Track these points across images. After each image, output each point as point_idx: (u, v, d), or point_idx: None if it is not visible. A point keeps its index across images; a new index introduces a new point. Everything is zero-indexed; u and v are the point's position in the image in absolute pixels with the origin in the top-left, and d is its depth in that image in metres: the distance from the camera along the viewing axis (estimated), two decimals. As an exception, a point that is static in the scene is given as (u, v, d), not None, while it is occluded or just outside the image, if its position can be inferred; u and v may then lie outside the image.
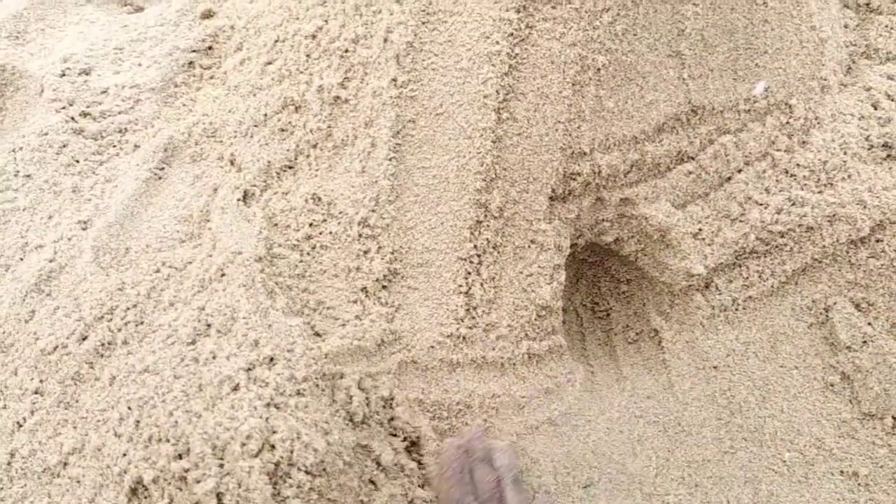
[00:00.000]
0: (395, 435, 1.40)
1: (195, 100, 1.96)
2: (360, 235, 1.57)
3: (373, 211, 1.57)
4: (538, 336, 1.57)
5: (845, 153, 1.73)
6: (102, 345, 1.42)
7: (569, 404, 1.56)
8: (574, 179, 1.56)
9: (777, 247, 1.68)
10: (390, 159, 1.57)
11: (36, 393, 1.40)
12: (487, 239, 1.55)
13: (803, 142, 1.74)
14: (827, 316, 1.66)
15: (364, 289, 1.54)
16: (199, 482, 1.14)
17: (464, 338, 1.53)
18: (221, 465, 1.16)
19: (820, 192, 1.69)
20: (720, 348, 1.65)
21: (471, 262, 1.54)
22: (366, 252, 1.56)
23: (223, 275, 1.49)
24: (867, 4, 2.02)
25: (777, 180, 1.70)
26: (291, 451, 1.17)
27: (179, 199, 1.71)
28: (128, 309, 1.47)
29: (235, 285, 1.45)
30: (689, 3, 1.53)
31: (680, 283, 1.67)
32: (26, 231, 1.70)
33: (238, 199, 1.66)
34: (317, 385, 1.32)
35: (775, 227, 1.66)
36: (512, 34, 1.48)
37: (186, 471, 1.16)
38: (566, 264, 1.64)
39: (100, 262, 1.57)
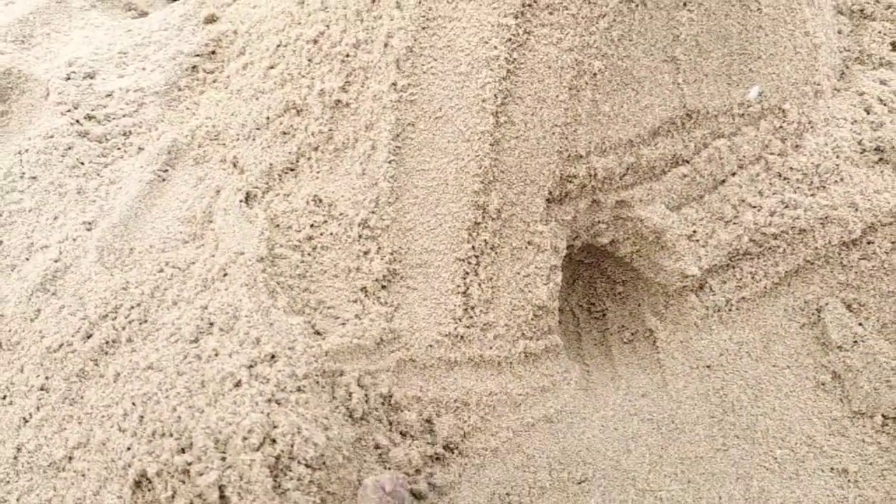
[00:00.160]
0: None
1: (198, 103, 1.99)
2: (360, 236, 1.60)
3: (373, 212, 1.60)
4: (535, 335, 1.60)
5: (838, 157, 1.76)
6: (107, 343, 1.45)
7: (564, 402, 1.59)
8: (570, 182, 1.59)
9: (770, 248, 1.71)
10: (390, 162, 1.60)
11: (42, 389, 1.43)
12: (485, 240, 1.58)
13: (796, 145, 1.77)
14: (819, 316, 1.69)
15: (364, 288, 1.57)
16: (201, 475, 1.17)
17: (462, 337, 1.56)
18: (223, 459, 1.19)
19: (812, 194, 1.72)
20: (714, 348, 1.68)
21: (469, 262, 1.57)
22: (366, 253, 1.59)
23: (226, 274, 1.52)
24: (861, 11, 2.05)
25: (770, 183, 1.73)
26: (292, 446, 1.20)
27: (183, 200, 1.74)
28: (132, 308, 1.50)
29: (238, 285, 1.48)
30: (683, 9, 1.56)
31: (674, 284, 1.69)
32: (32, 231, 1.73)
33: (240, 201, 1.69)
34: (317, 382, 1.35)
35: (768, 229, 1.69)
36: (510, 39, 1.51)
37: (189, 464, 1.19)
38: (563, 265, 1.67)
39: (104, 262, 1.61)
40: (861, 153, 1.77)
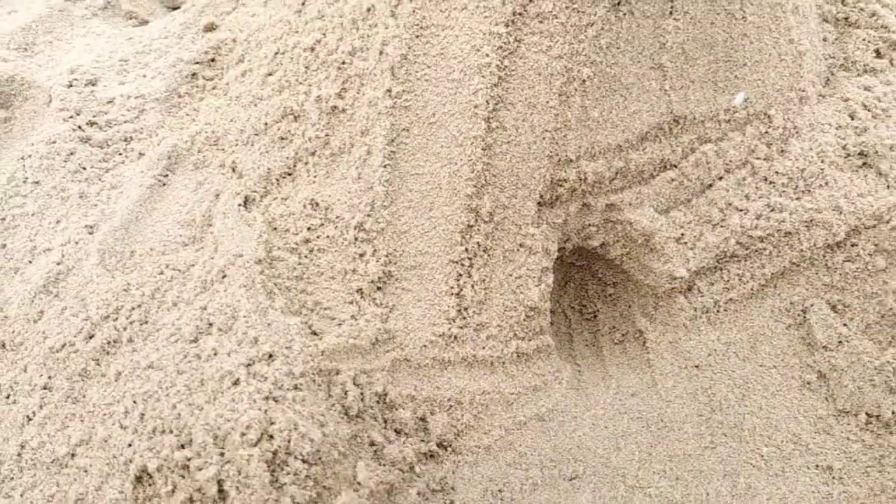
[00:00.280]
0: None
1: (198, 109, 2.03)
2: (356, 239, 1.64)
3: (368, 216, 1.64)
4: (527, 336, 1.64)
5: (822, 161, 1.80)
6: (108, 343, 1.49)
7: (556, 401, 1.62)
8: (561, 186, 1.63)
9: (757, 251, 1.74)
10: (385, 166, 1.64)
11: (45, 388, 1.47)
12: (478, 242, 1.62)
13: (782, 150, 1.81)
14: (804, 317, 1.73)
15: (360, 290, 1.61)
16: (200, 470, 1.21)
17: (455, 337, 1.59)
18: (222, 454, 1.22)
19: (798, 198, 1.76)
20: (702, 348, 1.72)
21: (462, 264, 1.61)
22: (361, 255, 1.63)
23: (224, 276, 1.56)
24: (846, 19, 2.10)
25: (756, 187, 1.77)
26: (289, 441, 1.24)
27: (182, 204, 1.78)
28: (133, 309, 1.54)
29: (236, 286, 1.52)
30: (670, 17, 1.61)
31: (663, 286, 1.73)
32: (35, 235, 1.77)
33: (239, 205, 1.72)
34: (313, 380, 1.38)
35: (755, 231, 1.73)
36: (501, 47, 1.56)
37: (189, 459, 1.22)
38: (554, 267, 1.70)
39: (106, 264, 1.64)
40: (845, 158, 1.81)
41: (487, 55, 1.57)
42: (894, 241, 1.70)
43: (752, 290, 1.75)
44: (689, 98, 1.69)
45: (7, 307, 1.64)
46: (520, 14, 1.55)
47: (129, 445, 1.29)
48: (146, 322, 1.51)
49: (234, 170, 1.84)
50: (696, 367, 1.71)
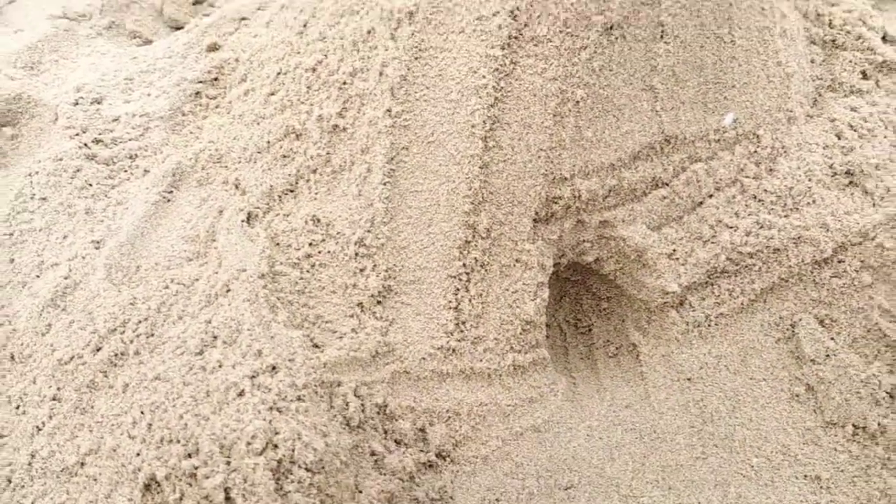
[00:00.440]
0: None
1: (202, 128, 2.08)
2: (356, 254, 1.69)
3: (368, 231, 1.69)
4: (523, 349, 1.68)
5: (810, 180, 1.85)
6: (116, 355, 1.53)
7: (551, 412, 1.66)
8: (556, 203, 1.68)
9: (746, 267, 1.79)
10: (385, 184, 1.69)
11: (53, 399, 1.50)
12: (475, 258, 1.66)
13: (770, 169, 1.86)
14: (793, 331, 1.77)
15: (360, 304, 1.65)
16: (207, 478, 1.24)
17: (453, 350, 1.64)
18: (228, 463, 1.26)
19: (786, 216, 1.81)
20: (694, 361, 1.76)
21: (460, 279, 1.66)
22: (362, 270, 1.68)
23: (228, 290, 1.60)
24: (833, 41, 2.16)
25: (746, 205, 1.82)
26: (293, 450, 1.28)
27: (187, 220, 1.82)
28: (139, 322, 1.58)
29: (240, 300, 1.56)
30: (660, 41, 1.66)
31: (656, 301, 1.78)
32: (42, 250, 1.81)
33: (242, 221, 1.77)
34: (316, 392, 1.42)
35: (744, 248, 1.77)
36: (497, 69, 1.61)
37: (196, 468, 1.26)
38: (550, 282, 1.75)
39: (112, 278, 1.68)
40: (832, 176, 1.87)
41: (484, 77, 1.62)
42: (880, 258, 1.75)
43: (742, 304, 1.79)
44: (679, 118, 1.74)
45: (15, 320, 1.67)
46: (515, 37, 1.60)
47: (138, 454, 1.33)
48: (152, 335, 1.55)
49: (237, 186, 1.89)
50: (689, 379, 1.75)
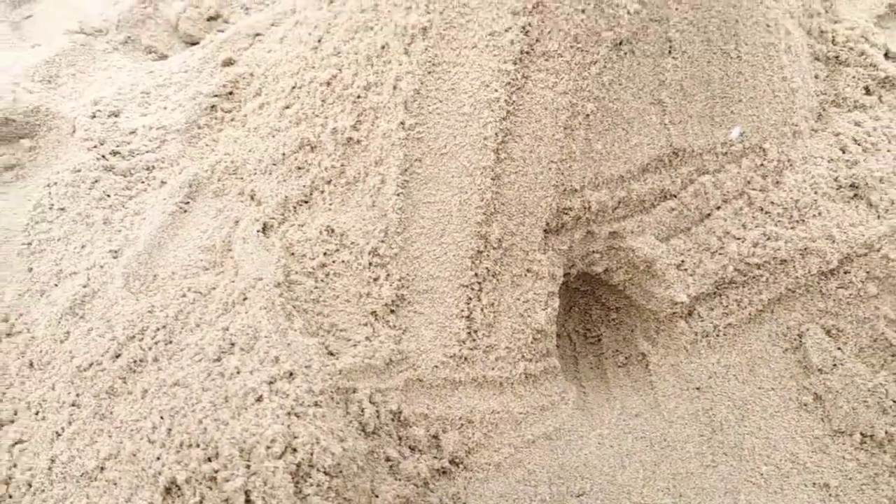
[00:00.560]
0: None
1: (217, 140, 2.12)
2: (370, 264, 1.72)
3: (382, 242, 1.72)
4: (534, 357, 1.71)
5: (816, 192, 1.88)
6: (135, 362, 1.55)
7: (563, 420, 1.69)
8: (566, 214, 1.71)
9: (754, 277, 1.82)
10: (398, 195, 1.72)
11: (73, 405, 1.53)
12: (487, 268, 1.69)
13: (777, 182, 1.89)
14: (800, 341, 1.80)
15: (374, 313, 1.68)
16: (228, 481, 1.27)
17: (465, 358, 1.66)
18: (248, 466, 1.28)
19: (792, 227, 1.84)
20: (703, 371, 1.78)
21: (472, 288, 1.68)
22: (375, 279, 1.71)
23: (245, 298, 1.63)
24: (836, 57, 2.19)
25: (753, 217, 1.85)
26: (311, 454, 1.30)
27: (203, 230, 1.86)
28: (157, 329, 1.60)
29: (257, 308, 1.58)
30: (669, 56, 1.70)
31: (665, 311, 1.80)
32: (61, 259, 1.84)
33: (258, 231, 1.80)
34: (332, 398, 1.45)
35: (752, 259, 1.80)
36: (509, 83, 1.64)
37: (216, 472, 1.28)
38: (560, 293, 1.78)
39: (130, 287, 1.71)
40: (837, 189, 1.90)
41: (496, 90, 1.65)
42: (885, 269, 1.78)
43: (750, 315, 1.82)
44: (687, 132, 1.78)
45: (34, 328, 1.70)
46: (527, 52, 1.64)
47: (158, 459, 1.35)
48: (171, 342, 1.58)
49: (252, 197, 1.92)
50: (698, 388, 1.77)
